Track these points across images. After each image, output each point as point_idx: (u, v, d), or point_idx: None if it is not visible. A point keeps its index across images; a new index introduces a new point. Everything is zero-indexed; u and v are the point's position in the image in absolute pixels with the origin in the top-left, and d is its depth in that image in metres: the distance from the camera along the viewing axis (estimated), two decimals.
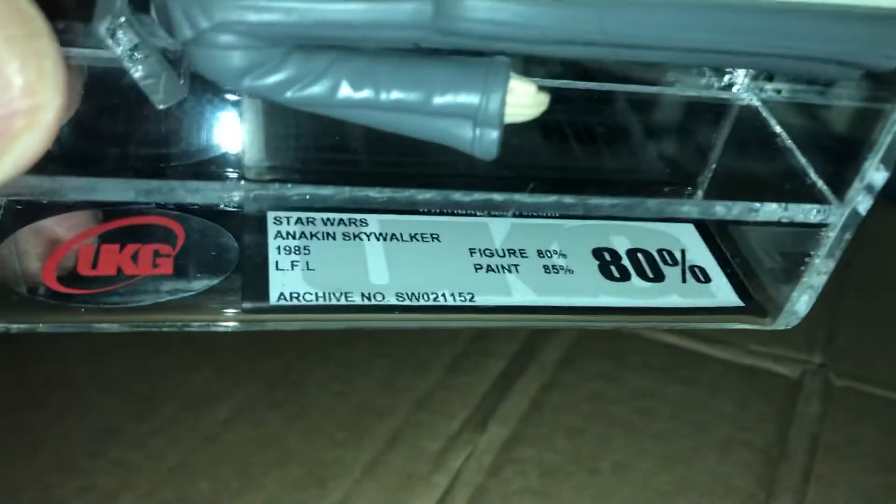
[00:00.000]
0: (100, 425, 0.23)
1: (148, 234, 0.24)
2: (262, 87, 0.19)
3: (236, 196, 0.20)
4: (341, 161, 0.28)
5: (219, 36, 0.17)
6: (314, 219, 0.26)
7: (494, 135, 0.20)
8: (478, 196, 0.21)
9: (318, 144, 0.28)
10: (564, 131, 0.28)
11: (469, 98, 0.19)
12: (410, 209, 0.21)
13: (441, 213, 0.27)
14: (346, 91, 0.19)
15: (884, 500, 0.28)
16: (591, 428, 0.28)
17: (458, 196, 0.21)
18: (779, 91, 0.27)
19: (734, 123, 0.28)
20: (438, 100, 0.19)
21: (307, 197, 0.20)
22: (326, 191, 0.20)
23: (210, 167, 0.26)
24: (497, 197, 0.21)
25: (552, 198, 0.22)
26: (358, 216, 0.26)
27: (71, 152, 0.24)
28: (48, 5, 0.16)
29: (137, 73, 0.18)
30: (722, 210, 0.23)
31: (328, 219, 0.26)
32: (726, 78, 0.28)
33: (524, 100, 0.20)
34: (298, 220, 0.26)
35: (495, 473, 0.24)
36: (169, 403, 0.25)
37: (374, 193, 0.20)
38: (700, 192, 0.29)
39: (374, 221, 0.26)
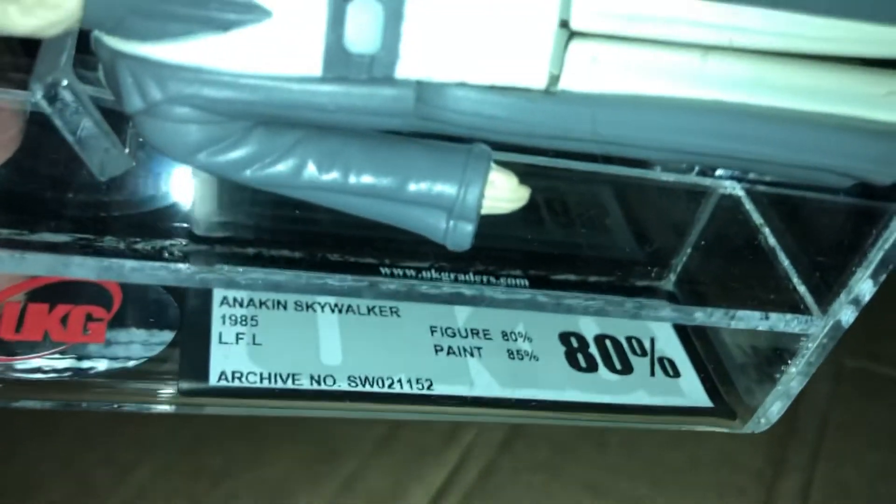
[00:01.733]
0: None
1: (82, 294, 0.22)
2: (218, 164, 0.17)
3: (179, 278, 0.18)
4: (298, 219, 0.26)
5: (173, 108, 0.16)
6: None
7: (469, 228, 0.18)
8: (446, 289, 0.19)
9: (274, 199, 0.26)
10: (537, 205, 0.27)
11: (446, 188, 0.17)
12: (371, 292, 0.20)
13: None
14: (312, 172, 0.17)
15: (893, 478, 0.28)
16: None
17: (424, 288, 0.19)
18: (765, 181, 0.26)
19: (713, 211, 0.26)
20: (413, 188, 0.17)
21: (259, 282, 0.18)
22: (280, 276, 0.18)
23: (156, 220, 0.24)
24: (466, 291, 0.20)
25: (525, 295, 0.20)
26: None
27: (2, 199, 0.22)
28: None
29: (74, 139, 0.16)
30: (701, 316, 0.21)
31: None
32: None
33: (504, 193, 0.18)
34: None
35: (506, 449, 0.24)
36: None
37: (333, 281, 0.19)
38: (672, 277, 0.28)
39: None
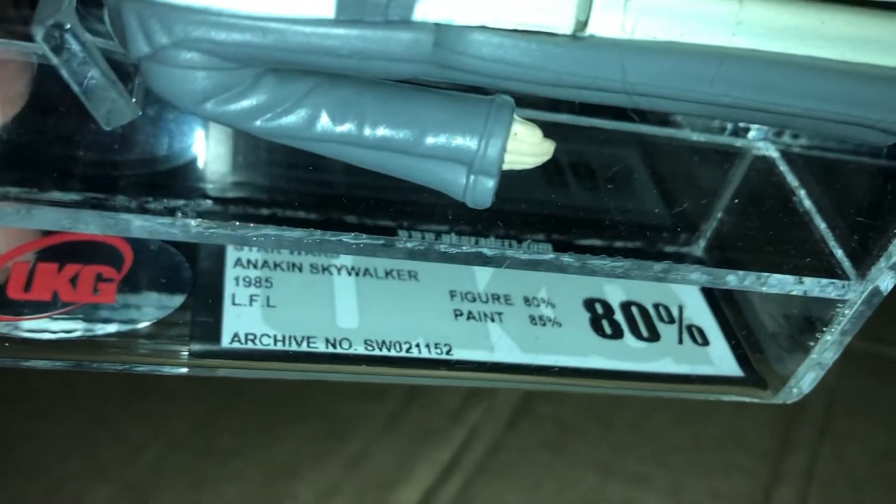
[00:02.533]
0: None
1: (92, 253, 0.22)
2: (227, 114, 0.16)
3: (188, 234, 0.17)
4: (314, 181, 0.25)
5: (179, 53, 0.15)
6: None
7: (490, 184, 0.17)
8: (466, 249, 0.19)
9: (289, 160, 0.25)
10: (561, 167, 0.26)
11: (466, 141, 0.17)
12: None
13: None
14: (325, 123, 0.16)
15: None
16: None
17: (443, 248, 0.19)
18: (799, 141, 0.25)
19: (746, 174, 0.25)
20: (431, 140, 0.17)
21: (272, 238, 0.18)
22: (293, 233, 0.18)
23: (169, 180, 0.23)
24: (487, 252, 0.19)
25: (549, 255, 0.19)
26: None
27: (8, 156, 0.21)
28: None
29: (80, 89, 0.16)
30: (734, 280, 0.21)
31: None
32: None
33: (528, 147, 0.17)
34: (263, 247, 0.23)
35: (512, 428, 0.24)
36: None
37: (348, 239, 0.18)
38: (702, 242, 0.27)
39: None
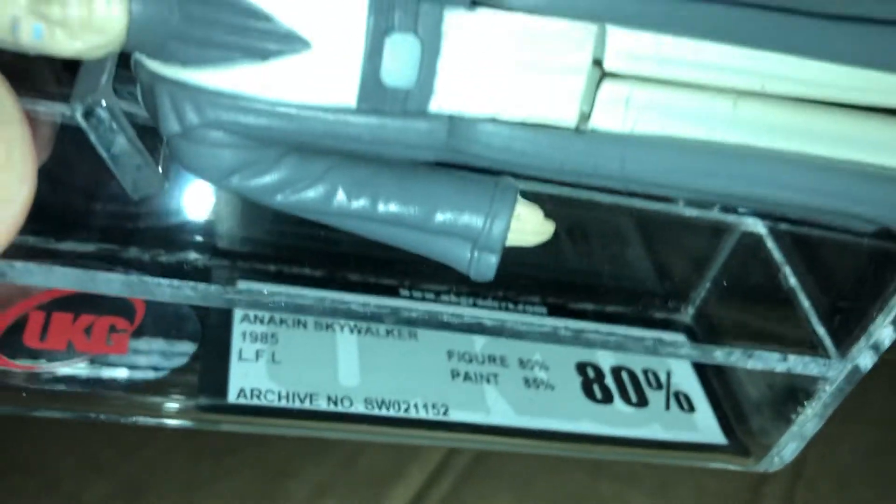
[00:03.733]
0: None
1: (105, 305, 0.22)
2: (250, 188, 0.17)
3: (206, 298, 0.18)
4: (319, 238, 0.26)
5: (209, 133, 0.16)
6: None
7: (493, 259, 0.18)
8: (468, 319, 0.20)
9: (296, 217, 0.26)
10: (558, 234, 0.27)
11: (472, 220, 0.18)
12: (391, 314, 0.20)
13: None
14: (341, 199, 0.17)
15: (890, 455, 0.28)
16: None
17: (446, 317, 0.19)
18: (788, 220, 0.26)
19: (734, 248, 0.26)
20: (440, 218, 0.18)
21: (282, 304, 0.19)
22: (304, 300, 0.19)
23: (179, 232, 0.24)
24: (487, 322, 0.20)
25: (546, 327, 0.20)
26: None
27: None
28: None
29: (110, 159, 0.17)
30: (720, 356, 0.21)
31: None
32: None
33: (530, 227, 0.18)
34: None
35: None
36: None
37: (356, 306, 0.19)
38: (691, 310, 0.28)
39: None
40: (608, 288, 0.28)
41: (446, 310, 0.20)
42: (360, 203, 0.17)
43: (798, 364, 0.22)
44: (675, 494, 0.25)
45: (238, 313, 0.23)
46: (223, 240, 0.25)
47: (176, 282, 0.18)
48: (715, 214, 0.26)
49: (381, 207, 0.17)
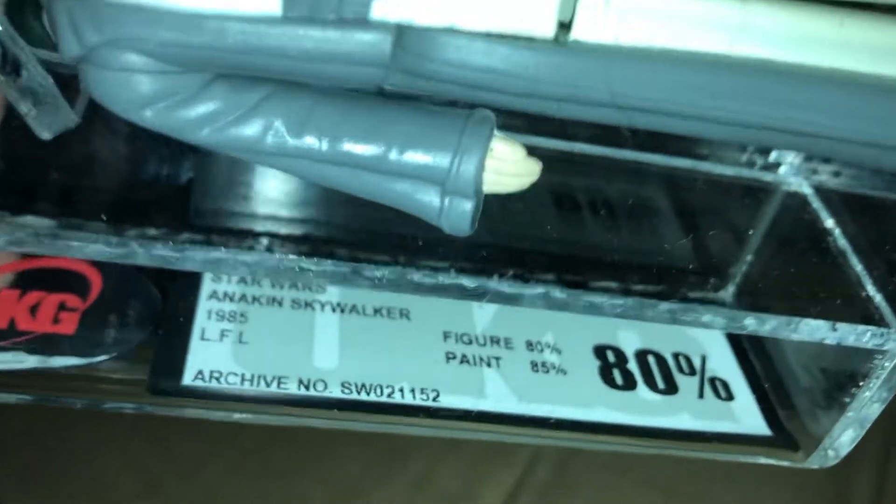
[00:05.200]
0: None
1: (58, 281, 0.20)
2: (171, 122, 0.14)
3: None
4: (307, 209, 0.23)
5: (116, 54, 0.13)
6: (261, 279, 0.22)
7: (467, 206, 0.15)
8: (443, 279, 0.17)
9: (281, 189, 0.24)
10: (575, 202, 0.24)
11: (437, 159, 0.15)
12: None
13: None
14: (279, 135, 0.15)
15: None
16: None
17: (417, 276, 0.17)
18: (837, 175, 0.22)
19: (777, 212, 0.23)
20: (398, 156, 0.15)
21: (230, 262, 0.16)
22: (247, 256, 0.16)
23: (150, 204, 0.22)
24: (467, 282, 0.17)
25: (538, 289, 0.17)
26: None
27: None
28: None
29: (12, 94, 0.14)
30: (753, 323, 0.18)
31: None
32: (772, 155, 0.24)
33: (509, 167, 0.15)
34: (242, 279, 0.21)
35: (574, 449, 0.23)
36: None
37: (307, 264, 0.16)
38: (731, 288, 0.25)
39: (334, 288, 0.22)
40: (633, 265, 0.25)
41: (417, 271, 0.17)
42: (301, 139, 0.15)
43: (850, 334, 0.18)
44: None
45: (205, 290, 0.21)
46: (197, 211, 0.23)
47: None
48: (753, 173, 0.23)
49: (326, 144, 0.15)
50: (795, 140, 0.15)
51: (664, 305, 0.18)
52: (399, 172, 0.15)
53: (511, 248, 0.23)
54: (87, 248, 0.16)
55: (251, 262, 0.16)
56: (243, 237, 0.20)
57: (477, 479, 0.22)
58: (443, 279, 0.17)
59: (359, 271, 0.16)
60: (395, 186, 0.15)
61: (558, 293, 0.17)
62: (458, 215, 0.15)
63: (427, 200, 0.15)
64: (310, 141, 0.15)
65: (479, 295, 0.17)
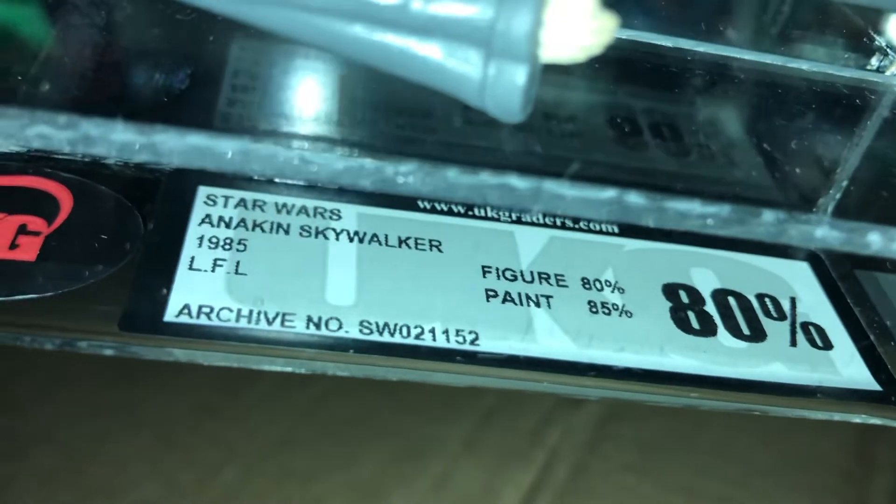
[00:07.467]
0: None
1: (22, 202, 0.17)
2: None
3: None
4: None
5: None
6: (264, 203, 0.18)
7: (520, 75, 0.12)
8: (487, 178, 0.13)
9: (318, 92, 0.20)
10: (637, 125, 0.20)
11: (477, 8, 0.11)
12: (391, 195, 0.13)
13: (447, 212, 0.19)
14: None
15: None
16: None
17: (451, 174, 0.13)
18: None
19: (884, 120, 0.19)
20: (421, 6, 0.11)
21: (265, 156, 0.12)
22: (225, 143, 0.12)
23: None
24: (518, 182, 0.13)
25: (609, 192, 0.13)
26: (329, 205, 0.18)
27: None
28: None
29: None
30: (878, 241, 0.14)
31: (285, 204, 0.18)
32: (873, 59, 0.20)
33: (577, 18, 0.12)
34: (241, 203, 0.18)
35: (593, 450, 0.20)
36: None
37: (301, 159, 0.12)
38: (825, 218, 0.21)
39: (351, 214, 0.18)
40: (708, 193, 0.21)
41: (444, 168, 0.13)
42: None
43: None
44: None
45: (197, 213, 0.17)
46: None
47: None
48: (853, 73, 0.19)
49: None
50: None
51: (769, 215, 0.14)
52: (425, 28, 0.11)
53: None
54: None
55: (281, 158, 0.12)
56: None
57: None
58: (485, 177, 0.13)
59: (360, 165, 0.13)
60: (422, 49, 0.12)
61: (634, 197, 0.13)
62: (507, 88, 0.12)
63: (464, 70, 0.12)
64: None
65: (530, 200, 0.13)
